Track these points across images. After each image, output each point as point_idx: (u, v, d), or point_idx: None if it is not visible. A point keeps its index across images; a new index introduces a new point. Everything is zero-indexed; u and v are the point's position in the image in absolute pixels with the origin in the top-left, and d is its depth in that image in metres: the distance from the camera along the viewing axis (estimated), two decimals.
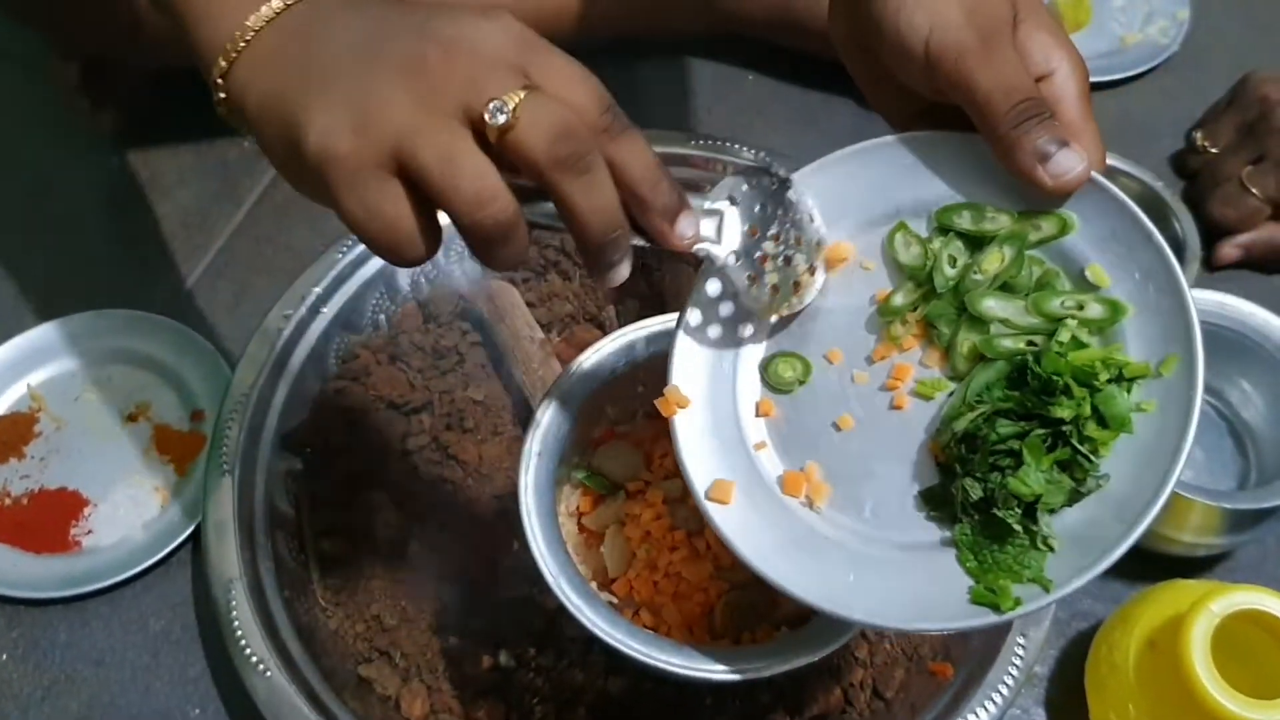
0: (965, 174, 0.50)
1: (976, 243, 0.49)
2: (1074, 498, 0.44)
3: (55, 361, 0.82)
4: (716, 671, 0.53)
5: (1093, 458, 0.44)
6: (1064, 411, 0.44)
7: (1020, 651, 0.62)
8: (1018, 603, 0.43)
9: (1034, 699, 0.68)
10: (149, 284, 0.86)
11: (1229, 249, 0.83)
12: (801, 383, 0.51)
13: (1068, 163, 0.46)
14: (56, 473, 0.78)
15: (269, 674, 0.63)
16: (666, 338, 0.61)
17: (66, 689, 0.70)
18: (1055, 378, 0.44)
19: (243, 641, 0.64)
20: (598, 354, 0.61)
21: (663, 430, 0.67)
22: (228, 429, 0.71)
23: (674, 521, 0.64)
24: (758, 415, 0.51)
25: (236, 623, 0.64)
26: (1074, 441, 0.44)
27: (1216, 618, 0.56)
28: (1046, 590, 0.43)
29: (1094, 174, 0.47)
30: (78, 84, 0.94)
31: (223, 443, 0.71)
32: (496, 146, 0.41)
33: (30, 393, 0.81)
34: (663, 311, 0.70)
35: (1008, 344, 0.47)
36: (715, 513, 0.48)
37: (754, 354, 0.52)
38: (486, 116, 0.40)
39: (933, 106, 0.51)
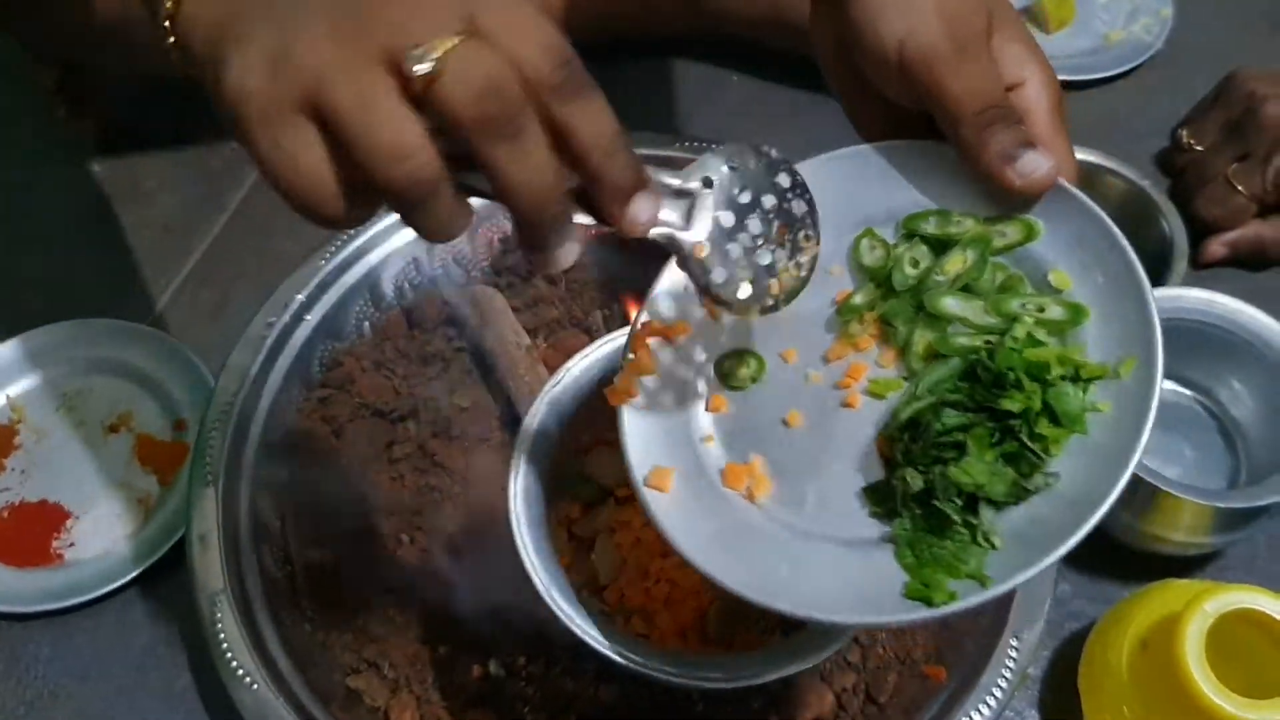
0: (934, 182, 0.50)
1: (941, 247, 0.49)
2: (1020, 495, 0.43)
3: (35, 372, 0.81)
4: (709, 679, 0.53)
5: (1042, 455, 0.44)
6: (1013, 405, 0.44)
7: (1014, 654, 0.62)
8: (952, 597, 0.42)
9: (1027, 701, 0.67)
10: (130, 293, 0.85)
11: (1216, 247, 0.83)
12: (755, 380, 0.50)
13: (1035, 163, 0.46)
14: (37, 485, 0.77)
15: (255, 687, 0.62)
16: None
17: (50, 704, 0.69)
18: (1008, 371, 0.44)
19: (228, 654, 0.63)
20: (585, 360, 0.61)
21: None
22: (211, 439, 0.70)
23: None
24: (708, 410, 0.50)
25: (222, 635, 0.63)
26: (1023, 437, 0.44)
27: (1210, 617, 0.56)
28: (983, 586, 0.42)
29: (1061, 180, 0.47)
30: (55, 90, 0.93)
31: (206, 453, 0.70)
32: (422, 99, 0.37)
33: (10, 404, 0.80)
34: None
35: (963, 341, 0.47)
36: (651, 499, 0.47)
37: (712, 350, 0.51)
38: (407, 64, 0.36)
39: (907, 119, 0.50)
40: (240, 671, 0.62)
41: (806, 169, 0.48)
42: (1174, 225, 0.78)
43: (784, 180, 0.45)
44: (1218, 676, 0.55)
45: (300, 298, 0.76)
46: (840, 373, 0.49)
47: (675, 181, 0.43)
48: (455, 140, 0.37)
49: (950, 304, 0.48)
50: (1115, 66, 0.96)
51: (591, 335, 0.77)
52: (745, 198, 0.44)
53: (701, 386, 0.51)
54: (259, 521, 0.70)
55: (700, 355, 0.51)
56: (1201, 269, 0.83)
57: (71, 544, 0.74)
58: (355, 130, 0.37)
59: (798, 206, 0.45)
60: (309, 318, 0.76)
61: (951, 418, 0.45)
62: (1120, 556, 0.70)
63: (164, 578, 0.73)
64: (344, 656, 0.67)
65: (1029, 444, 0.43)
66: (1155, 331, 0.44)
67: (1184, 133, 0.87)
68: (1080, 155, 0.80)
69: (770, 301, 0.45)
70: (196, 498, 0.68)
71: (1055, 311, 0.46)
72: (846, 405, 0.48)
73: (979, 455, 0.44)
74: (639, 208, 0.40)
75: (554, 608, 0.53)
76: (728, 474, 0.48)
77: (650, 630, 0.61)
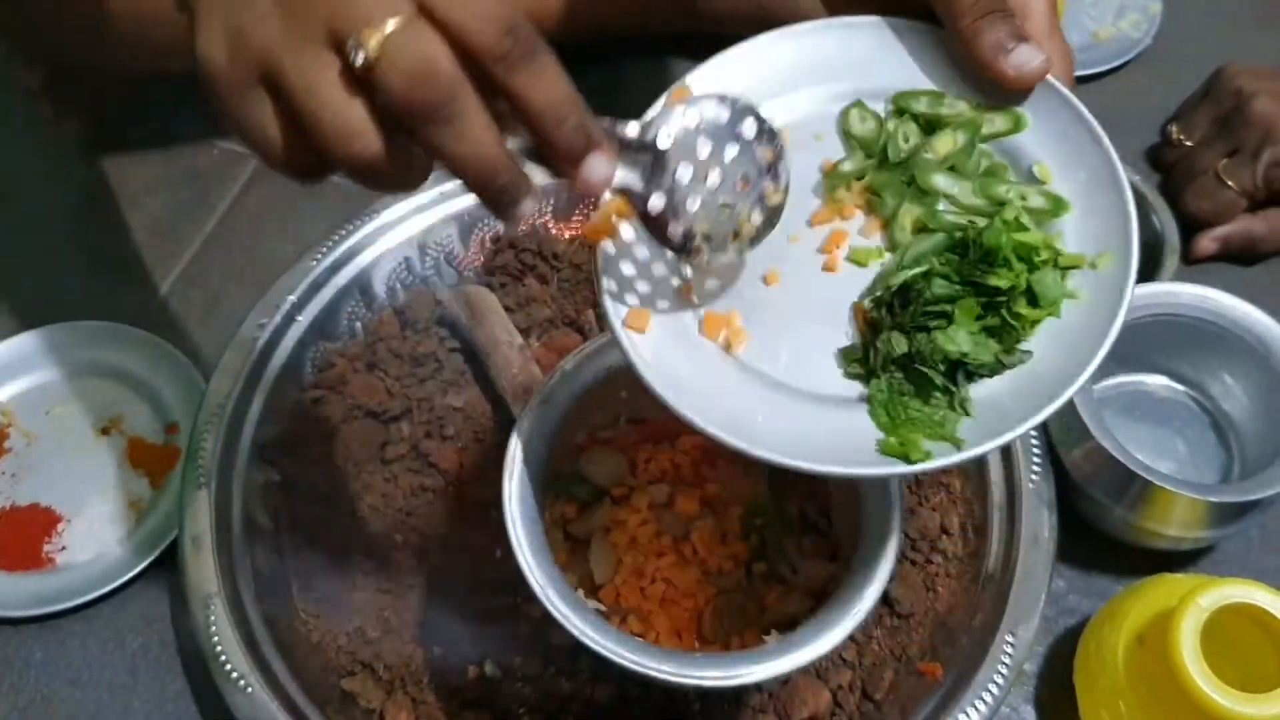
0: (927, 64, 0.51)
1: (930, 127, 0.50)
2: (996, 369, 0.45)
3: (25, 375, 0.80)
4: (706, 678, 0.53)
5: (1021, 331, 0.45)
6: (1001, 281, 0.45)
7: (1009, 650, 0.62)
8: (928, 455, 0.43)
9: (1023, 697, 0.67)
10: (120, 295, 0.85)
11: (1206, 242, 0.83)
12: None
13: (1026, 55, 0.48)
14: (28, 489, 0.76)
15: (250, 690, 0.62)
16: None
17: (43, 709, 0.69)
18: (997, 249, 0.45)
19: (223, 657, 0.63)
20: (579, 359, 0.61)
21: (647, 436, 0.67)
22: (203, 441, 0.70)
23: (660, 527, 0.63)
24: (686, 259, 0.50)
25: (216, 638, 0.63)
26: (1004, 313, 0.45)
27: (1205, 612, 0.56)
28: (958, 448, 0.43)
29: (1050, 78, 0.49)
30: (41, 91, 0.93)
31: (199, 455, 0.70)
32: (364, 82, 0.38)
33: (0, 408, 0.79)
34: None
35: (951, 218, 0.48)
36: (628, 340, 0.47)
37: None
38: (348, 50, 0.38)
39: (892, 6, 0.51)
40: (234, 674, 0.62)
41: (801, 31, 0.49)
42: (1165, 221, 0.78)
43: (748, 129, 0.45)
44: (1213, 671, 0.55)
45: (292, 299, 0.76)
46: (823, 237, 0.50)
47: (633, 134, 0.43)
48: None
49: (941, 181, 0.49)
50: (1104, 63, 0.96)
51: (584, 334, 0.77)
52: (706, 149, 0.45)
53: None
54: (252, 523, 0.70)
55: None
56: (1192, 264, 0.83)
57: (63, 548, 0.74)
58: (304, 111, 0.39)
59: (762, 154, 0.46)
60: (300, 319, 0.76)
61: (941, 287, 0.46)
62: (1114, 551, 0.70)
63: (156, 581, 0.72)
64: (339, 658, 0.67)
65: (1011, 320, 0.45)
66: (1133, 228, 0.46)
67: (1173, 128, 0.87)
68: None
69: (728, 254, 0.47)
70: (189, 500, 0.68)
71: (1038, 201, 0.48)
72: (827, 269, 0.49)
73: (965, 325, 0.45)
74: (590, 170, 0.41)
75: (550, 608, 0.53)
76: (706, 323, 0.48)
77: (646, 630, 0.61)
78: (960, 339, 0.45)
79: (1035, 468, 0.68)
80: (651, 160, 0.44)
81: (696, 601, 0.62)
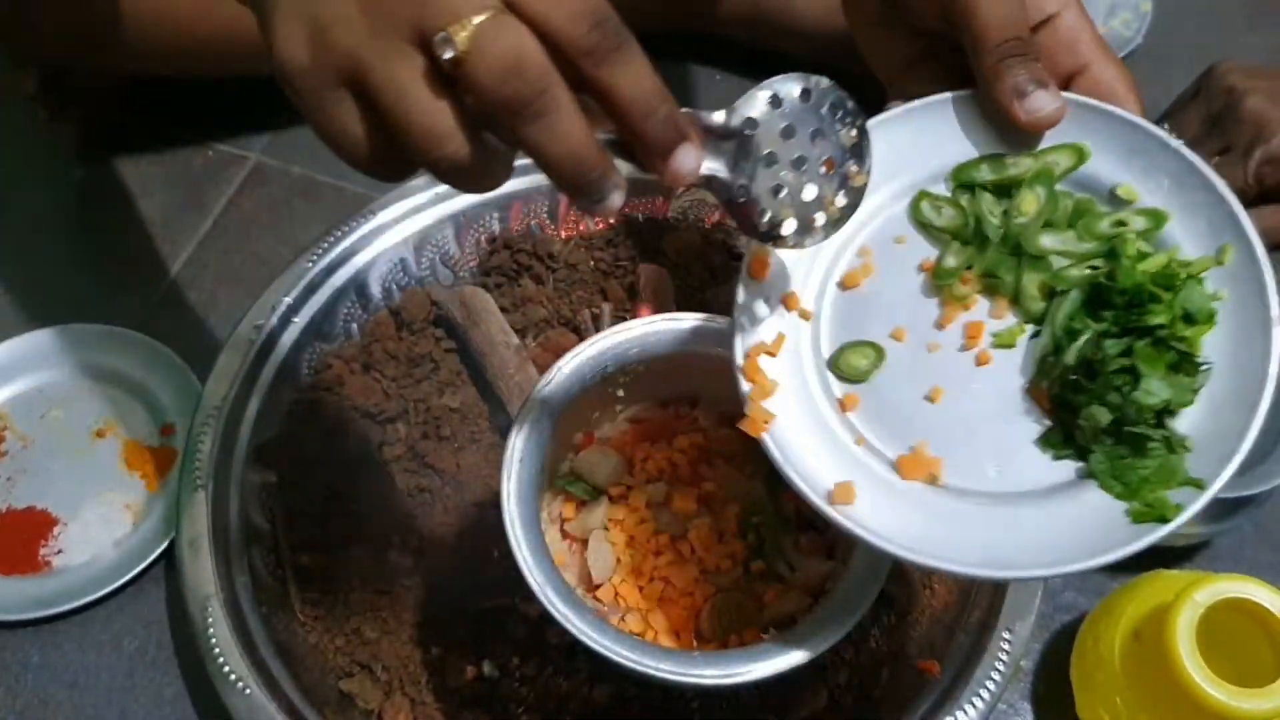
0: (968, 132, 0.51)
1: (1002, 191, 0.50)
2: (1190, 398, 0.45)
3: (20, 379, 0.80)
4: (704, 676, 0.53)
5: (1195, 355, 0.45)
6: (1160, 317, 0.45)
7: (1006, 646, 0.62)
8: (1179, 508, 0.43)
9: (1020, 693, 0.68)
10: (114, 298, 0.84)
11: None
12: (876, 369, 0.50)
13: (1041, 101, 0.48)
14: (24, 492, 0.76)
15: (248, 691, 0.62)
16: (645, 341, 0.61)
17: (40, 712, 0.69)
18: (1139, 287, 0.45)
19: (221, 659, 0.63)
20: (575, 359, 0.61)
21: (644, 435, 0.67)
22: (200, 443, 0.70)
23: (658, 525, 0.63)
24: (843, 412, 0.50)
25: (214, 640, 0.63)
26: (1175, 345, 0.45)
27: (1201, 607, 0.56)
28: (1201, 488, 0.43)
29: (1095, 102, 0.49)
30: (36, 94, 0.93)
31: (195, 457, 0.69)
32: (453, 79, 0.38)
33: None
34: (637, 314, 0.69)
35: (1074, 273, 0.48)
36: (847, 517, 0.46)
37: (817, 350, 0.51)
38: (435, 47, 0.37)
39: (925, 53, 0.52)
40: (233, 676, 0.62)
41: None
42: None
43: (831, 109, 0.45)
44: (1209, 666, 0.55)
45: (288, 300, 0.76)
46: (959, 336, 0.49)
47: (719, 121, 0.43)
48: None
49: (1046, 241, 0.49)
50: None
51: (580, 334, 0.77)
52: (790, 132, 0.44)
53: (825, 391, 0.50)
54: (249, 525, 0.70)
55: (810, 359, 0.51)
56: None
57: (59, 551, 0.74)
58: (392, 113, 0.38)
59: (846, 136, 0.45)
60: (297, 320, 0.76)
61: (1114, 347, 0.45)
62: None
63: (153, 583, 0.72)
64: (337, 659, 0.67)
65: (1184, 350, 0.45)
66: (1238, 211, 0.46)
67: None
68: None
69: (818, 236, 0.46)
70: (186, 502, 0.68)
71: (1139, 222, 0.48)
72: (981, 364, 0.48)
73: (1153, 373, 0.45)
74: (680, 161, 0.41)
75: (549, 607, 0.53)
76: (902, 467, 0.48)
77: (645, 629, 0.61)
78: (1157, 388, 0.44)
79: None
80: (736, 146, 0.44)
81: (694, 600, 0.62)
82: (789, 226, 0.45)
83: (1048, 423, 0.47)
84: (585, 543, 0.63)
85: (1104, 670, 0.61)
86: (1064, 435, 0.47)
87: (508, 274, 0.81)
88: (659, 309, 0.75)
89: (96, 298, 0.84)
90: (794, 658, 0.53)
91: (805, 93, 0.44)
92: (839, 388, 0.50)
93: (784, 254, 0.51)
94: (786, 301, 0.51)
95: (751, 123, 0.44)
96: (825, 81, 0.45)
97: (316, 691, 0.64)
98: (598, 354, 0.61)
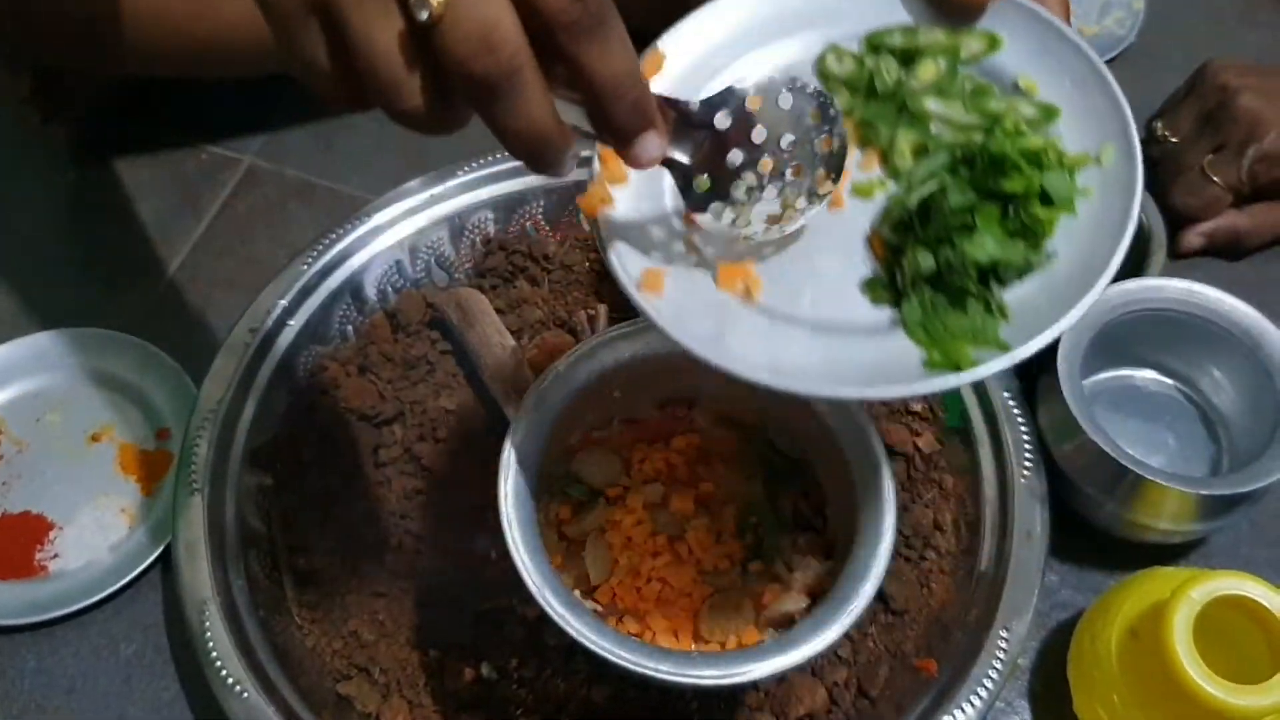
0: (893, 4, 0.52)
1: (909, 59, 0.51)
2: (1024, 271, 0.45)
3: (15, 383, 0.80)
4: (703, 677, 0.53)
5: (1043, 232, 0.45)
6: (1016, 186, 0.45)
7: (1003, 645, 0.62)
8: (976, 362, 0.43)
9: (1017, 691, 0.68)
10: (109, 301, 0.84)
11: (1192, 237, 0.83)
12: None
13: None
14: (19, 497, 0.76)
15: (246, 695, 0.62)
16: (641, 342, 0.61)
17: (37, 717, 0.68)
18: (1004, 156, 0.46)
19: (218, 663, 0.63)
20: (571, 360, 0.61)
21: (641, 436, 0.67)
22: (195, 446, 0.70)
23: (655, 526, 0.64)
24: (685, 223, 0.49)
25: (211, 644, 0.63)
26: (1023, 216, 0.45)
27: (1197, 604, 0.56)
28: (1004, 350, 0.43)
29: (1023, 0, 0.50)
30: (28, 97, 0.92)
31: (191, 461, 0.69)
32: (423, 41, 0.37)
33: None
34: (633, 315, 0.69)
35: (949, 138, 0.49)
36: (648, 303, 0.46)
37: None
38: (412, 8, 0.36)
39: None
40: (230, 680, 0.62)
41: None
42: (1152, 216, 0.79)
43: (815, 115, 0.45)
44: (1205, 662, 0.55)
45: (283, 303, 0.75)
46: None
47: (694, 110, 0.43)
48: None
49: (933, 104, 0.49)
50: None
51: (576, 335, 0.77)
52: (763, 133, 0.45)
53: (674, 198, 0.49)
54: (245, 528, 0.70)
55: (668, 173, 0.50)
56: (1178, 259, 0.84)
57: (55, 555, 0.73)
58: (357, 56, 0.38)
59: (821, 144, 0.46)
60: (292, 323, 0.76)
61: (958, 199, 0.46)
62: (1106, 545, 0.71)
63: (150, 587, 0.72)
64: (334, 662, 0.67)
65: (1030, 223, 0.45)
66: (1127, 119, 0.46)
67: (1159, 125, 0.87)
68: None
69: (771, 235, 0.46)
70: (182, 506, 0.68)
71: (1028, 111, 0.48)
72: (833, 206, 0.49)
73: (989, 231, 0.45)
74: (640, 149, 0.41)
75: (547, 608, 0.53)
76: (722, 275, 0.47)
77: (643, 630, 0.61)
78: (988, 245, 0.45)
79: (1027, 463, 0.68)
80: (707, 137, 0.44)
81: (693, 601, 0.62)
82: (742, 224, 0.46)
83: (875, 272, 0.47)
84: (582, 544, 0.63)
85: (1101, 668, 0.62)
86: (888, 281, 0.47)
87: (503, 276, 0.81)
88: None
89: (91, 301, 0.84)
90: (792, 658, 0.53)
91: (790, 94, 0.45)
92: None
93: (673, 68, 0.50)
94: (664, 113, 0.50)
95: (726, 117, 0.44)
96: (811, 86, 0.45)
97: (314, 695, 0.64)
98: (594, 355, 0.61)
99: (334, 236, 0.78)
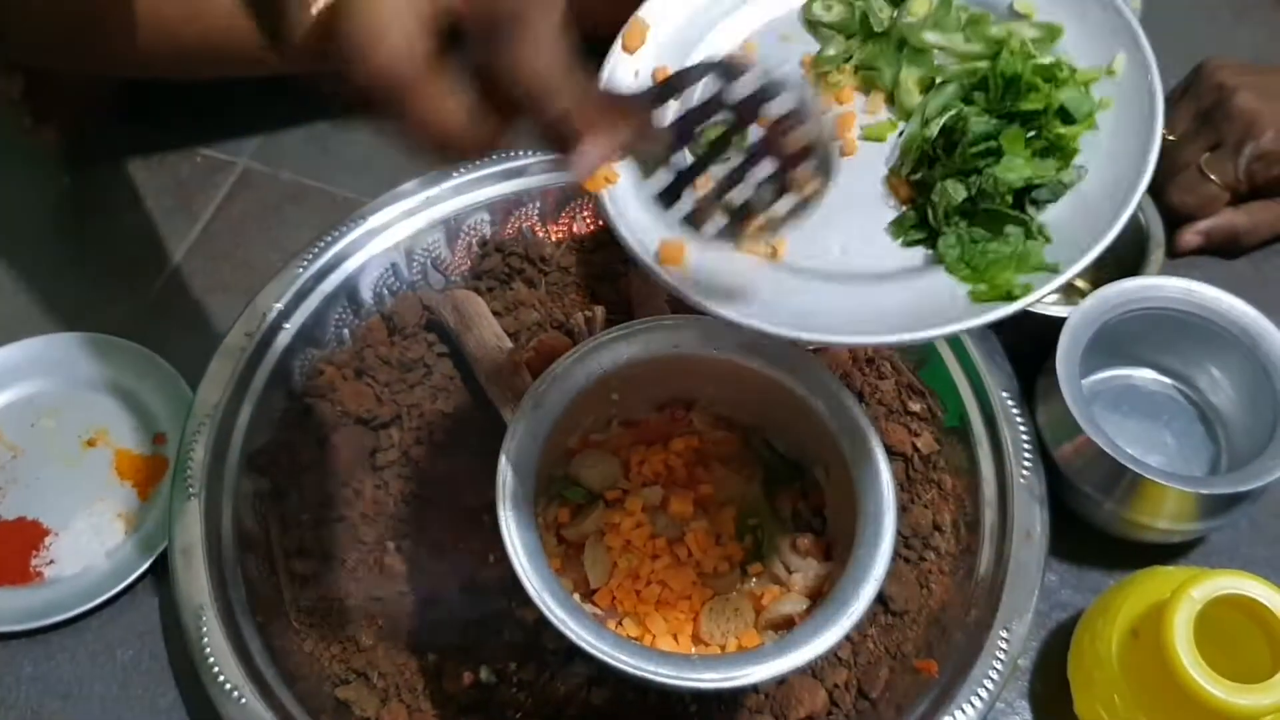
0: None
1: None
2: (1057, 191, 0.44)
3: (9, 388, 0.80)
4: (703, 680, 0.53)
5: (1068, 149, 0.44)
6: (1035, 103, 0.44)
7: (1004, 645, 0.62)
8: (1028, 288, 0.41)
9: (1018, 692, 0.68)
10: (104, 305, 0.84)
11: (1190, 235, 0.83)
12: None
13: None
14: (15, 502, 0.76)
15: (244, 700, 0.61)
16: (639, 344, 0.61)
17: None
18: (1018, 75, 0.44)
19: (215, 668, 0.62)
20: (569, 363, 0.61)
21: (640, 438, 0.67)
22: (192, 451, 0.70)
23: (654, 529, 0.63)
24: (694, 188, 0.46)
25: (208, 649, 0.63)
26: (1047, 135, 0.44)
27: (1197, 604, 0.56)
28: (1055, 271, 0.41)
29: None
30: (20, 99, 0.92)
31: (187, 465, 0.69)
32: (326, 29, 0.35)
33: None
34: (630, 317, 0.69)
35: (955, 69, 0.47)
36: (670, 276, 0.43)
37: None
38: None
39: None
40: (228, 685, 0.62)
41: None
42: (1150, 215, 0.79)
43: (780, 107, 0.41)
44: (1206, 662, 0.55)
45: (278, 307, 0.75)
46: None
47: (645, 109, 0.40)
48: None
49: (931, 37, 0.48)
50: None
51: (574, 337, 0.77)
52: (732, 133, 0.42)
53: (676, 159, 0.46)
54: (242, 533, 0.69)
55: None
56: (1176, 258, 0.84)
57: (51, 561, 0.73)
58: None
59: (793, 140, 0.41)
60: (288, 326, 0.76)
61: (980, 125, 0.44)
62: (1105, 545, 0.71)
63: (146, 593, 0.72)
64: (332, 667, 0.67)
65: (1055, 140, 0.44)
66: (1135, 27, 0.46)
67: None
68: None
69: (737, 240, 0.43)
70: (178, 511, 0.68)
71: (1030, 32, 0.47)
72: (845, 154, 0.47)
73: (1017, 152, 0.44)
74: (580, 161, 0.37)
75: (547, 612, 0.53)
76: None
77: (643, 633, 0.61)
78: (1019, 166, 0.43)
79: (1026, 463, 0.68)
80: (674, 133, 0.42)
81: (692, 603, 0.62)
82: (707, 225, 0.43)
83: (903, 210, 0.46)
84: (581, 547, 0.63)
85: (1102, 668, 0.61)
86: (917, 220, 0.45)
87: (500, 278, 0.80)
88: (652, 311, 0.75)
89: (86, 305, 0.84)
90: (792, 660, 0.53)
91: (758, 86, 0.41)
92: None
93: (658, 35, 0.48)
94: (656, 76, 0.49)
95: (697, 115, 0.41)
96: (791, 80, 0.42)
97: (312, 699, 0.64)
98: (591, 357, 0.61)
99: (330, 239, 0.78)
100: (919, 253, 0.45)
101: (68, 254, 0.89)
